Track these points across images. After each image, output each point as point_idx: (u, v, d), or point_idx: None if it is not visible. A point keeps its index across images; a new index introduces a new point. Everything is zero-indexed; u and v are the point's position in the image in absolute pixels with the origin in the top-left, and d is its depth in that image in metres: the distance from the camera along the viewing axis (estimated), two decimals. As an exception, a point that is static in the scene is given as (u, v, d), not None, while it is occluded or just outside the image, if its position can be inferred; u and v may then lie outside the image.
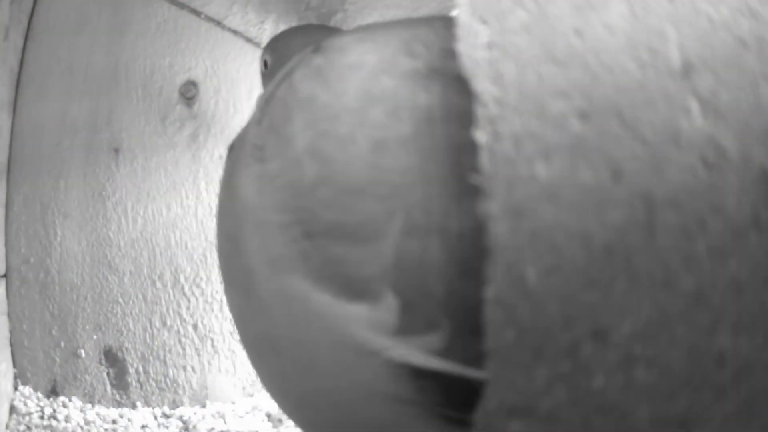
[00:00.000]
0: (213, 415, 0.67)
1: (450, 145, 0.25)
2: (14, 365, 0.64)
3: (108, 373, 0.66)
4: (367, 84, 0.28)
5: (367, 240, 0.26)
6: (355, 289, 0.26)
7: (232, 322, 0.37)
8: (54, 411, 0.61)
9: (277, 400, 0.35)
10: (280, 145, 0.29)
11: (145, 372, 0.68)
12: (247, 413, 0.68)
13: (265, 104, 0.32)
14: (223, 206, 0.34)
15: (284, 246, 0.27)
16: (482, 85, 0.24)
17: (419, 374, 0.26)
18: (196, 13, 0.71)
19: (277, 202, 0.28)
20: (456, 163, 0.24)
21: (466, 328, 0.23)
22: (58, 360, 0.65)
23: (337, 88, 0.28)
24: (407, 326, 0.26)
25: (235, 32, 0.73)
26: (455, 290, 0.25)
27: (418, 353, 0.25)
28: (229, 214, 0.32)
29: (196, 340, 0.69)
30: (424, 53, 0.28)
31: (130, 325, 0.68)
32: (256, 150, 0.30)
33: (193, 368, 0.69)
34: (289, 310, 0.28)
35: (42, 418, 0.60)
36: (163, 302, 0.69)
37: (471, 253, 0.23)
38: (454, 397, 0.25)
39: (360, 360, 0.26)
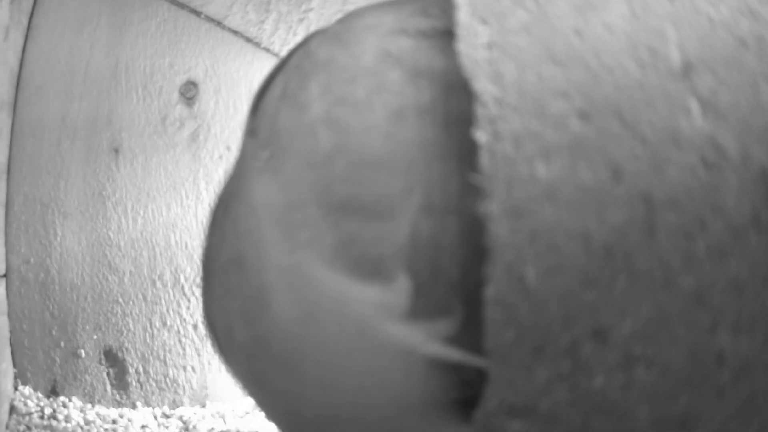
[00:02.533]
0: (213, 415, 0.67)
1: (470, 117, 0.24)
2: (14, 365, 0.63)
3: (108, 373, 0.66)
4: (385, 43, 0.27)
5: (383, 216, 0.25)
6: (368, 268, 0.25)
7: (232, 369, 0.35)
8: (54, 411, 0.61)
9: (291, 428, 0.33)
10: (294, 114, 0.28)
11: (145, 372, 0.68)
12: (247, 413, 0.68)
13: (268, 81, 0.31)
14: (220, 235, 0.32)
15: (302, 224, 0.26)
16: (482, 85, 0.24)
17: (448, 371, 0.25)
18: (196, 13, 0.71)
19: (294, 179, 0.27)
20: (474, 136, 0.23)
21: (479, 315, 0.23)
22: (58, 360, 0.65)
23: (355, 49, 0.27)
24: (419, 310, 0.25)
25: (235, 32, 0.73)
26: (471, 273, 0.24)
27: (429, 339, 0.25)
28: (230, 237, 0.30)
29: (196, 340, 0.69)
30: (441, 15, 0.28)
31: (130, 325, 0.68)
32: (256, 140, 0.29)
33: (193, 368, 0.69)
34: (308, 303, 0.26)
35: (42, 418, 0.60)
36: (163, 302, 0.69)
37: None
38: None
39: (386, 355, 0.25)
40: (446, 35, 0.26)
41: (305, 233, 0.26)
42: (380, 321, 0.25)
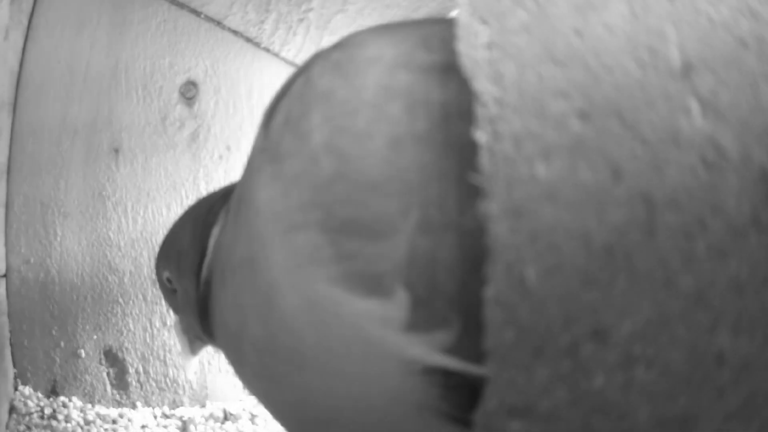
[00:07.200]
0: (213, 415, 0.67)
1: (464, 142, 0.25)
2: (14, 365, 0.63)
3: (108, 373, 0.66)
4: (385, 78, 0.28)
5: (381, 236, 0.26)
6: (367, 284, 0.26)
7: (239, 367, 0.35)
8: (54, 411, 0.61)
9: (296, 427, 0.34)
10: (297, 141, 0.29)
11: (145, 372, 0.68)
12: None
13: (274, 104, 0.32)
14: (233, 238, 0.33)
15: (304, 243, 0.28)
16: (482, 85, 0.24)
17: (444, 377, 0.26)
18: (196, 13, 0.71)
19: (297, 199, 0.28)
20: (469, 160, 0.24)
21: (477, 325, 0.23)
22: (58, 360, 0.65)
23: (356, 82, 0.28)
24: (418, 322, 0.26)
25: (235, 32, 0.73)
26: (467, 287, 0.25)
27: (427, 350, 0.26)
28: (242, 240, 0.32)
29: (196, 340, 0.69)
30: (442, 49, 0.28)
31: (130, 325, 0.68)
32: (265, 153, 0.30)
33: (193, 368, 0.69)
34: (313, 312, 0.28)
35: (42, 418, 0.60)
36: (163, 302, 0.69)
37: (483, 251, 0.23)
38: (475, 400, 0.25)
39: (385, 364, 0.26)
40: (446, 70, 0.27)
41: (306, 249, 0.27)
42: (379, 332, 0.26)
